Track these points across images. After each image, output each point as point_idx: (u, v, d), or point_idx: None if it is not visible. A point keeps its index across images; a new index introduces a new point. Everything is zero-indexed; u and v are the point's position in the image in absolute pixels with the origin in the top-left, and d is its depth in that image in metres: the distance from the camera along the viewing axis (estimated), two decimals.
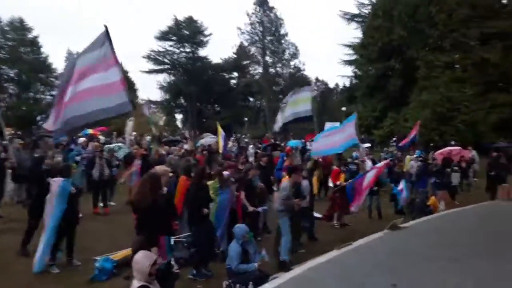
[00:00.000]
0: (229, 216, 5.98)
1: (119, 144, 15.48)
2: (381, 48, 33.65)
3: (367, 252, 4.96)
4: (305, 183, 7.05)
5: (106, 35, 5.78)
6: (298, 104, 9.58)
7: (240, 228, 4.88)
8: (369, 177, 7.72)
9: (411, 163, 13.20)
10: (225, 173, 6.64)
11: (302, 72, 55.96)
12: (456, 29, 27.22)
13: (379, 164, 9.19)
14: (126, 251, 4.82)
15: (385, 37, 32.78)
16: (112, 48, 5.77)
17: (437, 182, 11.55)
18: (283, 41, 52.94)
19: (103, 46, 5.77)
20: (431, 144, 24.25)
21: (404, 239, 5.67)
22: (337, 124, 21.10)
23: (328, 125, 25.39)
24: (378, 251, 5.01)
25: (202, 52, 52.93)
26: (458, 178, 12.16)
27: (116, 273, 4.79)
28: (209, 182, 6.13)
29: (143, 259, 2.96)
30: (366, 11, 40.50)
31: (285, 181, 5.69)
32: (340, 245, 5.24)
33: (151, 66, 51.35)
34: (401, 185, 9.28)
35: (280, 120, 10.33)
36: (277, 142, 20.24)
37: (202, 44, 52.33)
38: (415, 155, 14.36)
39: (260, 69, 54.63)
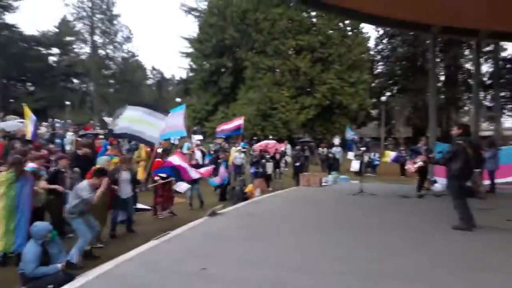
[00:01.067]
0: (30, 213, 5.10)
1: None
2: (215, 45, 35.27)
3: (182, 240, 5.06)
4: (125, 175, 6.69)
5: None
6: (151, 126, 9.33)
7: (38, 227, 4.19)
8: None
9: (235, 154, 14.34)
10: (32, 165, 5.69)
11: (136, 57, 53.18)
12: (277, 38, 31.02)
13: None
14: None
15: (219, 35, 34.45)
16: None
17: (255, 171, 12.94)
18: (115, 22, 49.08)
19: None
20: (254, 138, 27.01)
21: (221, 224, 6.05)
22: None
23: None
24: (193, 238, 5.18)
25: (10, 18, 43.54)
26: (272, 167, 13.91)
27: None
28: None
29: None
30: (204, 7, 41.69)
31: (86, 181, 5.06)
32: (158, 235, 5.20)
33: None
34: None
35: (123, 128, 9.61)
36: (99, 131, 18.52)
37: (10, 8, 42.99)
38: (239, 147, 15.63)
39: (87, 49, 49.04)
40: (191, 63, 40.22)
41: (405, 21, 11.10)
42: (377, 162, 18.89)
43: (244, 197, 9.48)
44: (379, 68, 42.10)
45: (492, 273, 3.79)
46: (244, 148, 19.53)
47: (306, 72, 30.50)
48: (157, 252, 4.47)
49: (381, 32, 39.15)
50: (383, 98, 35.63)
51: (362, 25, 33.78)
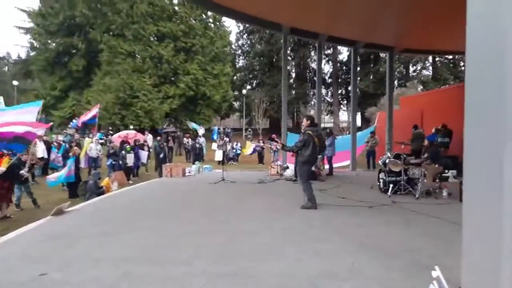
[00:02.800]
0: None
1: None
2: (63, 22, 30.86)
3: (17, 244, 4.28)
4: None
5: None
6: None
7: None
8: None
9: (91, 145, 12.97)
10: None
11: None
12: (137, 21, 29.17)
13: None
14: None
15: (67, 11, 30.24)
16: None
17: (113, 164, 12.00)
18: None
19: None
20: (110, 128, 24.97)
21: (67, 223, 5.36)
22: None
23: None
24: (31, 241, 4.44)
25: None
26: (132, 159, 13.12)
27: None
28: None
29: None
30: None
31: None
32: None
33: None
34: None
35: None
36: None
37: None
38: (95, 138, 14.24)
39: None
40: (32, 40, 34.21)
41: (261, 19, 11.89)
42: (238, 152, 19.92)
43: (99, 192, 8.67)
44: (240, 62, 44.33)
45: (326, 243, 4.44)
46: (101, 139, 17.92)
47: (169, 60, 29.71)
48: None
49: (241, 27, 41.23)
50: (244, 91, 37.71)
51: (224, 18, 34.81)
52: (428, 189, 7.55)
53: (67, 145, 12.80)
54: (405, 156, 7.92)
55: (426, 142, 9.51)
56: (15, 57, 47.00)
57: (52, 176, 9.56)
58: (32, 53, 35.40)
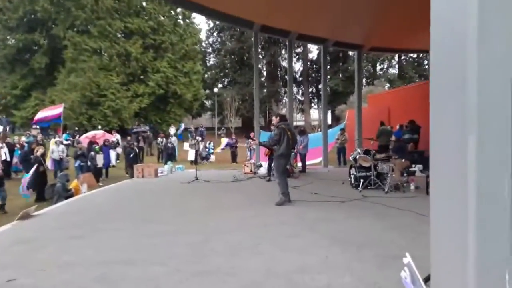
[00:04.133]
0: None
1: None
2: (23, 17, 29.35)
3: None
4: None
5: None
6: None
7: None
8: None
9: (52, 147, 12.49)
10: None
11: None
12: (103, 17, 28.22)
13: None
14: None
15: (27, 6, 28.75)
16: None
17: (81, 165, 11.61)
18: None
19: None
20: (76, 128, 24.12)
21: (34, 226, 5.15)
22: None
23: None
24: None
25: None
26: (102, 160, 12.73)
27: None
28: None
29: None
30: None
31: None
32: None
33: None
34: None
35: None
36: None
37: None
38: (57, 139, 13.73)
39: None
40: None
41: (232, 16, 11.87)
42: (211, 151, 19.81)
43: (68, 194, 8.36)
44: (211, 60, 43.99)
45: (300, 238, 4.53)
46: (66, 140, 17.32)
47: (138, 58, 28.99)
48: None
49: (212, 25, 40.90)
50: (216, 90, 37.50)
51: (194, 15, 34.42)
52: (396, 183, 7.84)
53: (26, 147, 12.25)
54: (374, 152, 8.18)
55: (393, 138, 9.87)
56: None
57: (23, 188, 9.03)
58: None
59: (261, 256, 3.84)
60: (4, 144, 11.71)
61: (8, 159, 12.23)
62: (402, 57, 38.03)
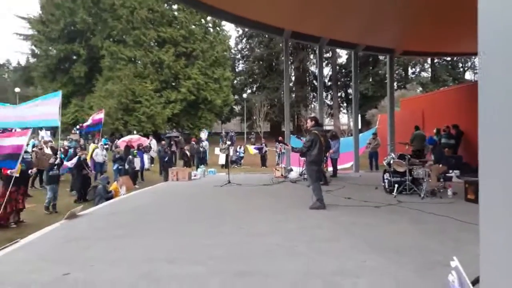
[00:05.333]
0: None
1: None
2: (64, 28, 31.07)
3: (37, 247, 4.39)
4: None
5: None
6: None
7: None
8: None
9: (96, 150, 13.11)
10: None
11: None
12: (138, 27, 29.36)
13: None
14: None
15: (68, 18, 30.43)
16: None
17: (120, 168, 12.11)
18: None
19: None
20: (112, 133, 25.08)
21: (81, 226, 5.47)
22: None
23: None
24: (50, 243, 4.55)
25: None
26: (139, 163, 13.26)
27: None
28: None
29: None
30: None
31: None
32: (5, 244, 4.39)
33: None
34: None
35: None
36: None
37: None
38: (100, 143, 14.37)
39: None
40: (33, 47, 34.40)
41: (262, 23, 12.05)
42: (242, 155, 20.06)
43: (108, 196, 8.78)
44: (240, 66, 44.55)
45: (336, 242, 4.55)
46: (105, 144, 18.07)
47: (170, 65, 29.88)
48: (7, 263, 3.77)
49: (240, 32, 41.48)
50: (245, 95, 37.89)
51: (223, 23, 35.06)
52: (433, 189, 7.66)
53: (70, 152, 12.91)
54: (409, 156, 8.03)
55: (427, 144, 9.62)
56: (15, 64, 47.18)
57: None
58: (32, 60, 35.58)
59: (298, 258, 3.90)
60: (48, 148, 12.40)
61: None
62: (435, 60, 36.88)
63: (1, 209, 6.71)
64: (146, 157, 14.51)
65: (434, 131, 12.50)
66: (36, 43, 33.29)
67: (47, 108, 9.32)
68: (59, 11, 30.82)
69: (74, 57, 32.43)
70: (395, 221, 5.51)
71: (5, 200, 6.77)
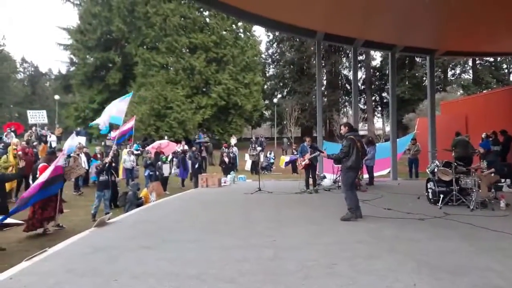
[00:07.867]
0: None
1: None
2: (100, 37, 32.20)
3: (63, 257, 4.28)
4: None
5: None
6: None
7: None
8: None
9: (124, 157, 13.26)
10: None
11: (2, 48, 45.41)
12: (170, 34, 29.88)
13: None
14: None
15: (104, 26, 31.53)
16: None
17: (150, 174, 12.12)
18: None
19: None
20: (146, 139, 25.51)
21: (110, 235, 5.35)
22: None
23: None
24: (77, 253, 4.42)
25: None
26: (168, 169, 13.25)
27: None
28: None
29: None
30: None
31: None
32: (33, 254, 4.31)
33: None
34: None
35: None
36: None
37: None
38: (128, 149, 14.53)
39: None
40: (72, 56, 35.89)
41: (295, 26, 11.72)
42: (272, 161, 19.70)
43: (138, 202, 8.72)
44: (271, 71, 44.33)
45: (379, 260, 4.11)
46: (137, 150, 18.33)
47: (201, 71, 30.12)
48: (32, 275, 3.66)
49: (271, 36, 41.32)
50: (275, 100, 37.56)
51: (254, 28, 35.03)
52: (483, 199, 6.97)
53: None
54: (455, 164, 7.37)
55: (481, 150, 8.75)
56: (56, 72, 49.52)
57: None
58: (71, 68, 37.14)
59: (338, 278, 3.51)
60: (83, 154, 12.64)
61: (87, 168, 13.19)
62: (477, 61, 34.91)
63: (32, 214, 6.75)
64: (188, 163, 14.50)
65: (483, 136, 11.59)
66: (74, 52, 34.65)
67: (121, 105, 10.17)
68: (96, 20, 31.99)
69: (110, 65, 33.47)
70: (444, 236, 4.97)
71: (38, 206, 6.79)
